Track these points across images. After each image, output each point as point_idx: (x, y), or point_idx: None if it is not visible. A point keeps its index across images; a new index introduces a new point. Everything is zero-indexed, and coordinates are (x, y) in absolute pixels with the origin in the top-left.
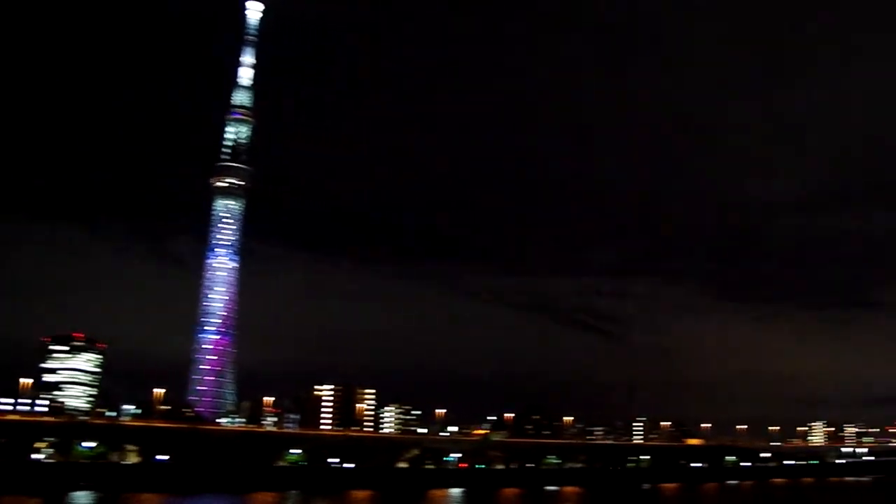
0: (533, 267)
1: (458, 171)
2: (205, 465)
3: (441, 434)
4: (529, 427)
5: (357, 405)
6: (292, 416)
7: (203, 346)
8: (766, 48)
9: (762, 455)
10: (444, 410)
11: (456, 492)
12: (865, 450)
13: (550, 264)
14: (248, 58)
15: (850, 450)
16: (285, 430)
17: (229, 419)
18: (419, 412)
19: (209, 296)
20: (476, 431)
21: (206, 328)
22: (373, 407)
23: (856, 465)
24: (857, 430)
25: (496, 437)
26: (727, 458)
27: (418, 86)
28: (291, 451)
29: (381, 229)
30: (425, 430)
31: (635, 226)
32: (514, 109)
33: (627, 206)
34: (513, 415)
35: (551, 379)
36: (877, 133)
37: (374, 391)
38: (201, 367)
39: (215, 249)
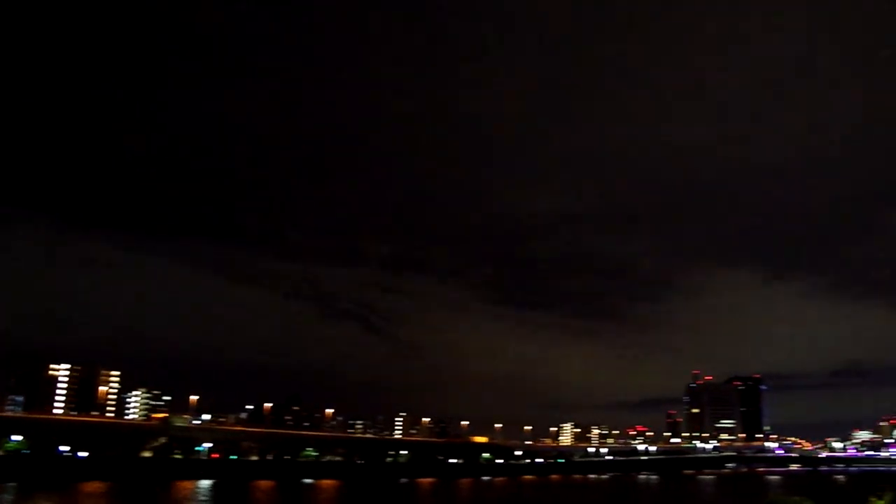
0: (308, 254)
1: (235, 151)
2: None
3: (193, 422)
4: (289, 418)
5: (99, 388)
6: (16, 397)
7: None
8: (559, 87)
9: (516, 453)
10: (198, 397)
11: (205, 484)
12: (606, 450)
13: (326, 253)
14: None
15: (594, 449)
16: (5, 414)
17: None
18: (169, 398)
19: None
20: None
21: None
22: (117, 390)
23: (598, 464)
24: (601, 431)
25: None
26: (483, 454)
27: (205, 60)
28: (12, 437)
29: (148, 200)
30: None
31: (413, 224)
32: (304, 100)
33: (407, 205)
34: (272, 405)
35: (315, 370)
36: (639, 170)
37: (119, 373)
38: None
39: None
